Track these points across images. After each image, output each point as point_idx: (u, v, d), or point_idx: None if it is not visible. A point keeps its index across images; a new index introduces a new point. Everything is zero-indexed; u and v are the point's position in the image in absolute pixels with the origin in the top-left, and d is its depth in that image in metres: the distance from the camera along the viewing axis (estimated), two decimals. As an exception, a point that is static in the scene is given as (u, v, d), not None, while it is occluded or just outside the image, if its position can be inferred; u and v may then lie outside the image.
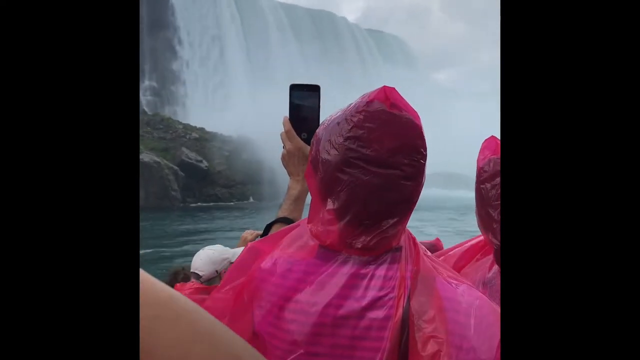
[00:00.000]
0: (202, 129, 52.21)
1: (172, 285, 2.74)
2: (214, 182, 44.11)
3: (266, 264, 1.08)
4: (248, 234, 2.83)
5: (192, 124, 54.94)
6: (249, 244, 1.18)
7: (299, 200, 1.47)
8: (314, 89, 1.44)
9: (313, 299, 0.99)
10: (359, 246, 1.01)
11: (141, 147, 43.17)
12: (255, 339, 1.04)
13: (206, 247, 3.02)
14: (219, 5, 72.08)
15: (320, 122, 1.22)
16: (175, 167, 40.71)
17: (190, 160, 42.83)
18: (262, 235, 1.41)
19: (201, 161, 43.90)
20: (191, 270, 2.95)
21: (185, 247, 22.75)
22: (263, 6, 77.36)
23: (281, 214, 1.47)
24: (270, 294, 1.04)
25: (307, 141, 1.42)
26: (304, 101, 1.44)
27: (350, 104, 1.05)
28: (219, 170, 44.96)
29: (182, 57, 68.31)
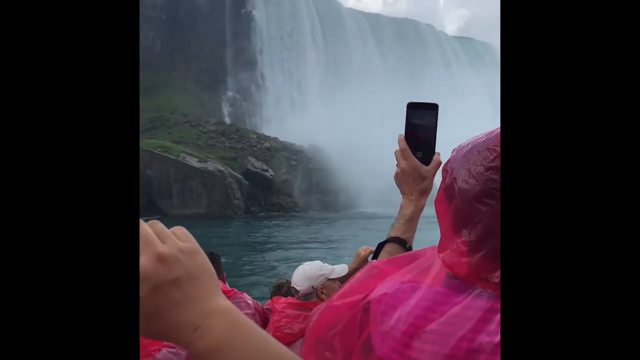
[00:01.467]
0: (275, 139, 53.14)
1: (277, 295, 2.96)
2: (279, 191, 44.60)
3: (390, 288, 1.05)
4: (362, 250, 2.80)
5: (267, 133, 56.12)
6: (371, 262, 1.17)
7: (412, 220, 1.47)
8: (432, 107, 1.42)
9: (446, 330, 0.95)
10: (496, 281, 0.95)
11: (210, 156, 44.64)
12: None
13: (305, 263, 3.06)
14: (299, 16, 73.15)
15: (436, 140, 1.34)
16: (240, 176, 41.59)
17: (255, 169, 43.61)
18: (374, 254, 1.45)
19: (267, 170, 44.56)
20: (291, 285, 3.02)
21: (246, 257, 23.70)
22: (344, 14, 77.56)
23: (394, 233, 1.46)
24: (398, 321, 1.00)
25: (422, 160, 1.43)
26: (420, 119, 1.43)
27: (492, 132, 1.00)
28: (285, 179, 45.41)
29: (262, 68, 69.94)
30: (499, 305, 0.94)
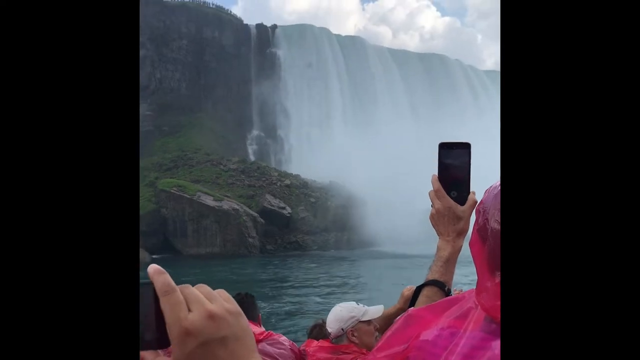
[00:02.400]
0: (297, 176, 52.99)
1: (311, 337, 2.98)
2: (296, 229, 44.08)
3: (429, 335, 1.04)
4: (406, 290, 2.71)
5: (290, 171, 56.05)
6: (409, 311, 1.16)
7: (450, 262, 1.46)
8: (464, 147, 1.42)
9: None
10: None
11: (229, 194, 44.64)
12: None
13: (339, 304, 2.99)
14: (323, 54, 73.81)
15: (470, 179, 1.37)
16: (255, 214, 41.31)
17: (272, 207, 43.32)
18: (412, 298, 1.45)
19: (284, 208, 44.19)
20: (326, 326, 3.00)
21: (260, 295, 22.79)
22: (368, 52, 77.92)
23: (431, 276, 1.45)
24: None
25: (457, 199, 1.43)
26: (453, 159, 1.42)
27: None
28: (303, 216, 44.90)
29: (287, 107, 70.48)
30: None
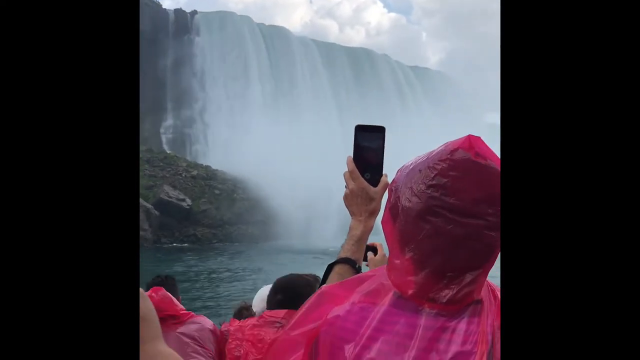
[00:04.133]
0: (207, 167, 50.82)
1: (236, 317, 3.08)
2: (196, 222, 42.00)
3: (340, 310, 1.07)
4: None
5: (203, 162, 53.76)
6: (321, 289, 1.18)
7: (361, 240, 1.50)
8: (379, 130, 1.47)
9: (394, 350, 0.98)
10: (443, 301, 1.00)
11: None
12: None
13: (266, 286, 3.11)
14: (244, 43, 71.68)
15: (384, 163, 1.40)
16: (149, 206, 38.97)
17: (169, 199, 41.06)
18: (324, 276, 1.48)
19: (183, 200, 42.02)
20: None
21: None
22: (292, 43, 76.30)
23: (343, 254, 1.48)
24: (346, 342, 1.02)
25: (370, 181, 1.48)
26: (368, 142, 1.46)
27: (432, 151, 1.06)
28: (204, 209, 42.87)
29: (205, 93, 68.01)
30: (445, 324, 0.99)
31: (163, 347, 0.76)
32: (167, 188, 42.33)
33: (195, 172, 47.92)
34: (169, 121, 66.08)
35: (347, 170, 1.47)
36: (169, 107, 66.44)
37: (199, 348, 2.57)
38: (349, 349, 0.98)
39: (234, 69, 70.14)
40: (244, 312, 3.13)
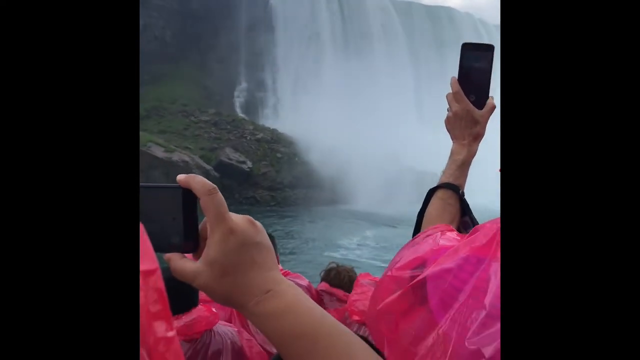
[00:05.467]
0: (273, 130, 50.94)
1: (328, 281, 3.27)
2: (256, 184, 42.28)
3: (451, 263, 1.01)
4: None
5: (273, 126, 53.94)
6: (426, 232, 1.15)
7: (464, 165, 1.44)
8: (488, 49, 1.40)
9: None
10: None
11: (191, 146, 43.03)
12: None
13: None
14: (318, 5, 70.39)
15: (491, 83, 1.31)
16: (208, 167, 39.62)
17: (229, 161, 41.53)
18: (424, 201, 1.42)
19: (244, 162, 42.36)
20: None
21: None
22: (368, 5, 73.92)
23: (445, 179, 1.43)
24: (459, 291, 0.98)
25: (476, 104, 1.42)
26: (475, 62, 1.40)
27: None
28: (264, 172, 43.04)
29: (278, 59, 67.82)
30: None
31: (285, 279, 0.78)
32: (228, 150, 42.84)
33: (260, 135, 48.16)
34: (242, 84, 66.67)
35: (450, 92, 1.41)
36: (242, 70, 66.94)
37: None
38: (462, 297, 0.95)
39: (308, 30, 69.27)
40: (332, 273, 3.14)
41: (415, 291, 1.00)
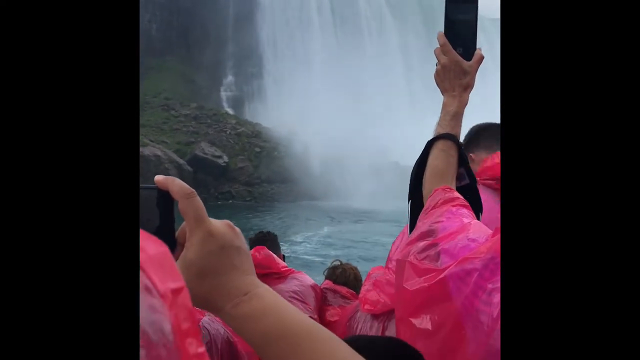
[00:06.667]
0: (256, 124, 50.27)
1: (332, 279, 3.10)
2: (233, 179, 41.71)
3: (477, 264, 1.05)
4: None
5: (256, 120, 53.24)
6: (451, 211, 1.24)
7: (457, 116, 1.45)
8: (472, 1, 1.42)
9: None
10: None
11: (168, 140, 42.45)
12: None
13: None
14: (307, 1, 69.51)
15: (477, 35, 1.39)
16: (181, 162, 39.06)
17: (204, 155, 40.92)
18: (422, 152, 1.45)
19: (220, 157, 41.75)
20: None
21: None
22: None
23: (442, 130, 1.44)
24: (482, 290, 1.05)
25: (464, 55, 1.42)
26: (460, 14, 1.42)
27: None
28: (241, 166, 42.44)
29: (266, 53, 67.06)
30: None
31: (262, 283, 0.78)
32: (204, 145, 42.23)
33: (241, 130, 47.54)
34: (229, 78, 66.02)
35: (437, 46, 1.42)
36: (229, 64, 66.28)
37: (299, 303, 2.57)
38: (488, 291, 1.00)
39: (296, 22, 68.44)
40: (337, 271, 3.12)
41: (438, 286, 1.06)
